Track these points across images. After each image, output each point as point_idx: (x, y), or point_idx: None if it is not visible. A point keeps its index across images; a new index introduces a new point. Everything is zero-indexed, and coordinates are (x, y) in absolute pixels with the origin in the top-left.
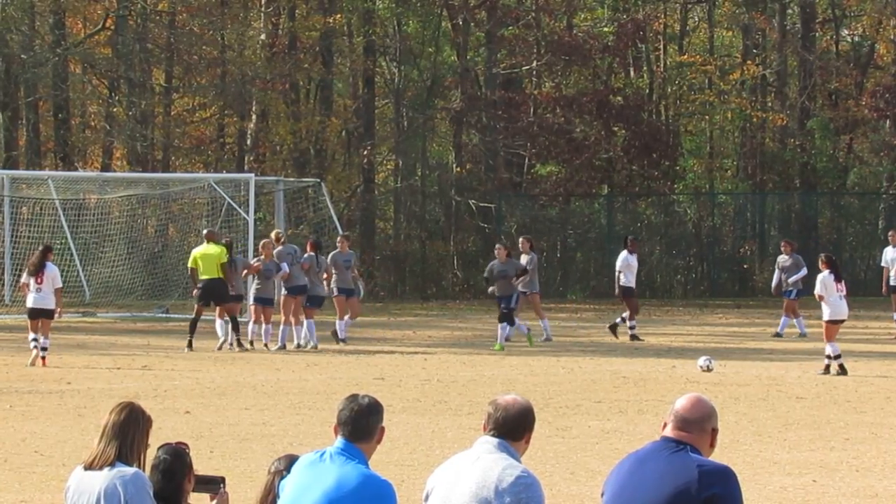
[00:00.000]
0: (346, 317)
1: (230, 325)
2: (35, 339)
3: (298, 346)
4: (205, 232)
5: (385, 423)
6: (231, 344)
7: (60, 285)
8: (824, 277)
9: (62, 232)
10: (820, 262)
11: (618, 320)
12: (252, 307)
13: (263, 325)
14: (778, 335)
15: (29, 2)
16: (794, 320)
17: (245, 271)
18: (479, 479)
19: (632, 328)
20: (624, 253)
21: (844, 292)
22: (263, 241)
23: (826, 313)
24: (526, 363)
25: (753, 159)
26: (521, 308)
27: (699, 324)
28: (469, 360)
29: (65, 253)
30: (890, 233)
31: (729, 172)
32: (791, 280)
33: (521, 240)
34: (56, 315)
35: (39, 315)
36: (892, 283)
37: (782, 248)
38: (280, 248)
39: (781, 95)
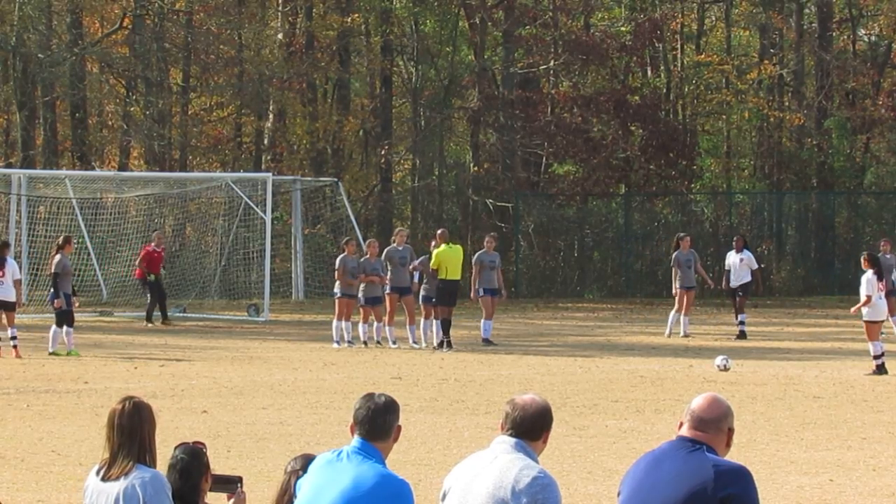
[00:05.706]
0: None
1: (440, 326)
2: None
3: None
4: (439, 231)
5: (402, 423)
6: (412, 342)
7: (19, 277)
8: (870, 277)
9: (79, 231)
10: (862, 261)
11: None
12: (361, 308)
13: (375, 324)
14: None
15: (46, 1)
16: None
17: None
18: (496, 479)
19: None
20: (732, 253)
21: (884, 291)
22: (370, 240)
23: (866, 313)
24: (543, 363)
25: (770, 159)
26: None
27: (716, 323)
28: (486, 360)
29: (82, 252)
30: (882, 242)
31: (746, 172)
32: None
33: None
34: (17, 306)
35: (4, 308)
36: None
37: (681, 244)
38: (393, 246)
39: (798, 95)
